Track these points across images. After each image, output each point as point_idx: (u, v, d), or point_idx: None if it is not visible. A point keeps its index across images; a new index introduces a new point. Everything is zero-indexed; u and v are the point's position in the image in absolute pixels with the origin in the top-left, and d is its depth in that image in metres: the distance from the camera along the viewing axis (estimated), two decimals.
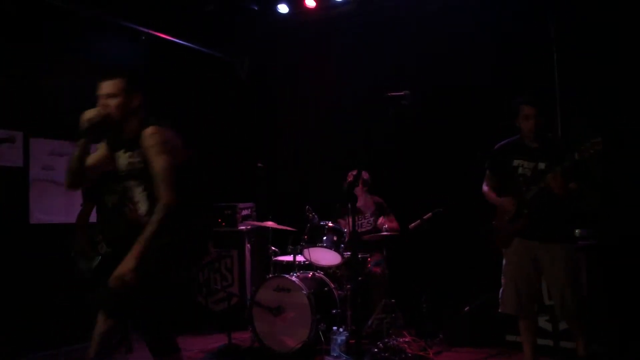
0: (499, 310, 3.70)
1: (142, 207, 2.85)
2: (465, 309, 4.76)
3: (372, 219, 5.24)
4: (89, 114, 2.76)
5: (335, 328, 4.39)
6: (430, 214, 4.74)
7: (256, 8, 6.00)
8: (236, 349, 4.80)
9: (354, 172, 4.97)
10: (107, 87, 2.82)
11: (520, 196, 3.52)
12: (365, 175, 5.15)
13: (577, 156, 3.21)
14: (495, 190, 3.74)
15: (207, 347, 5.04)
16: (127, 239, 3.97)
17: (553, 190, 3.34)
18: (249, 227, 5.84)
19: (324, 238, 4.75)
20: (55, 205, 4.99)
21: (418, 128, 5.43)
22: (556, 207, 3.47)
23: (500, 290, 3.69)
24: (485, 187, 3.82)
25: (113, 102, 2.79)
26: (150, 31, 5.77)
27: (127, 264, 2.68)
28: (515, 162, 3.60)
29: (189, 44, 6.16)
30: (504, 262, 3.69)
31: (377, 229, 5.04)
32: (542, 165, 3.49)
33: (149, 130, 2.78)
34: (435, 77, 5.37)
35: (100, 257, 4.10)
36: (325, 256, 4.83)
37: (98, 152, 2.97)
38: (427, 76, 5.36)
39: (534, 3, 5.00)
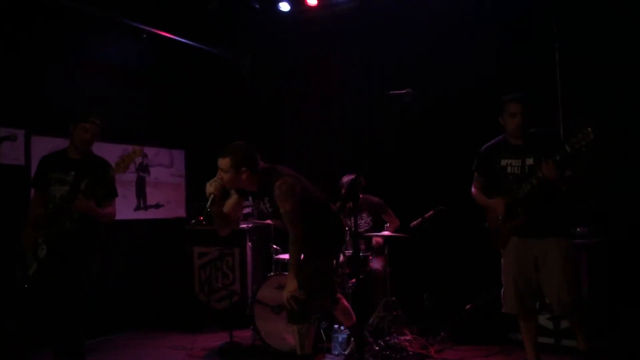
0: (502, 311, 3.66)
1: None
2: (467, 306, 4.76)
3: (369, 218, 5.23)
4: (209, 188, 3.38)
5: (336, 326, 4.39)
6: (432, 211, 4.74)
7: (258, 6, 5.99)
8: (237, 347, 4.80)
9: (350, 176, 4.96)
10: (220, 163, 3.43)
11: (513, 195, 3.48)
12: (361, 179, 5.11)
13: (568, 149, 3.17)
14: (486, 192, 3.70)
15: (208, 345, 5.05)
16: (72, 236, 3.66)
17: (549, 179, 3.28)
18: (250, 225, 5.85)
19: None
20: None
21: (420, 126, 5.42)
22: (551, 202, 3.43)
23: (502, 291, 3.66)
24: (474, 190, 3.80)
25: (226, 176, 3.42)
26: (152, 29, 5.77)
27: (290, 286, 3.42)
28: (503, 162, 3.55)
29: (191, 42, 6.15)
30: (502, 262, 3.66)
31: (376, 230, 5.02)
32: (529, 161, 3.45)
33: (277, 182, 3.44)
34: (437, 75, 5.35)
35: (37, 263, 3.71)
36: None
37: (233, 199, 3.65)
38: (429, 74, 5.35)
39: (536, 1, 4.98)
